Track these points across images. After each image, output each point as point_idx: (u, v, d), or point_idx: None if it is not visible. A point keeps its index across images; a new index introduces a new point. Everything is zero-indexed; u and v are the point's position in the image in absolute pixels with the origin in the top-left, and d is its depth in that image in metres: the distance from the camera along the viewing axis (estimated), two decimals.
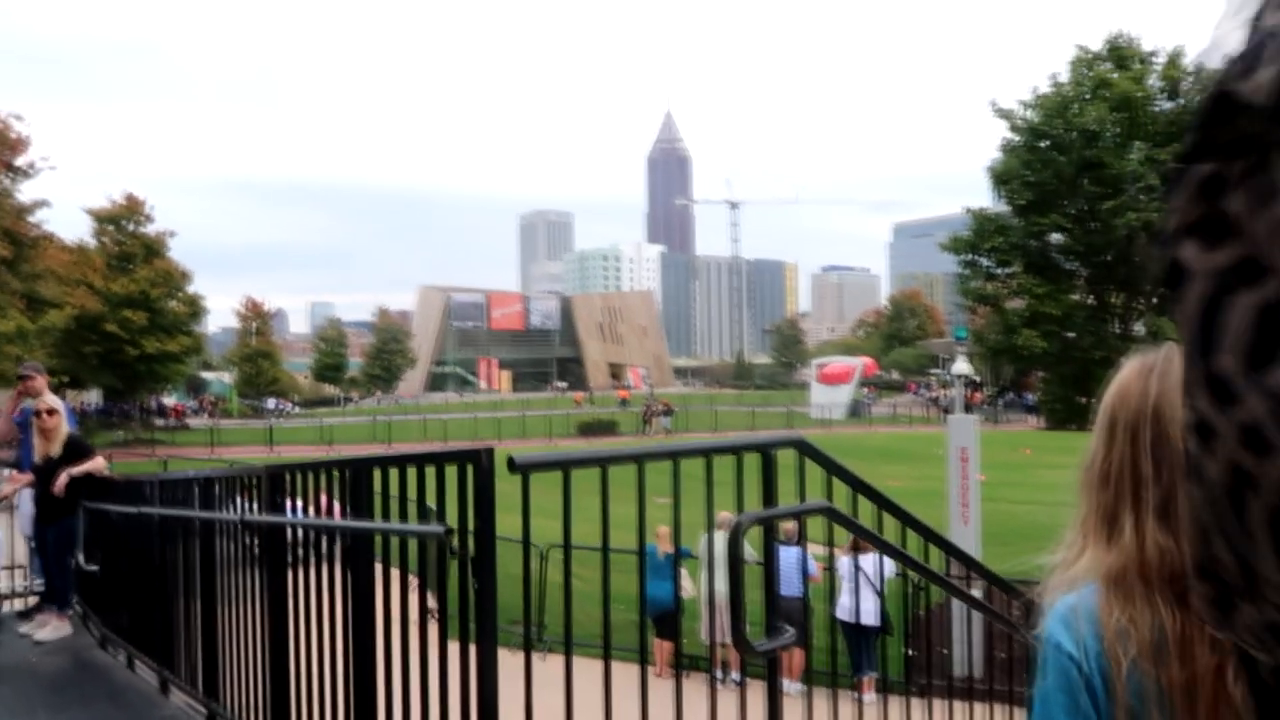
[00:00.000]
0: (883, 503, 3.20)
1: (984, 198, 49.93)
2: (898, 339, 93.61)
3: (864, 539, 3.08)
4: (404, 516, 2.83)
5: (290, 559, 3.71)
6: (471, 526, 2.44)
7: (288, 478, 3.80)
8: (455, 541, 2.48)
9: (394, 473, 2.91)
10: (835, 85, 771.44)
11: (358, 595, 3.07)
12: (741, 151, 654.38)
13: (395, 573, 2.96)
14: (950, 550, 3.76)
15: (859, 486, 3.09)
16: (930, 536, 3.49)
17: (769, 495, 2.84)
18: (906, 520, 3.34)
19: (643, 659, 2.60)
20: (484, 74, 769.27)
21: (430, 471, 2.77)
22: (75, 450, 6.91)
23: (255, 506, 4.04)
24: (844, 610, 9.17)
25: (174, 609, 5.04)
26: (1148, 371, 1.18)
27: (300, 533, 3.75)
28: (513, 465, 2.28)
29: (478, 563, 2.42)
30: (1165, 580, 1.09)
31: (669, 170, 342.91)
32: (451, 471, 2.58)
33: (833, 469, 3.02)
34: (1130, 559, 1.12)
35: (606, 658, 2.49)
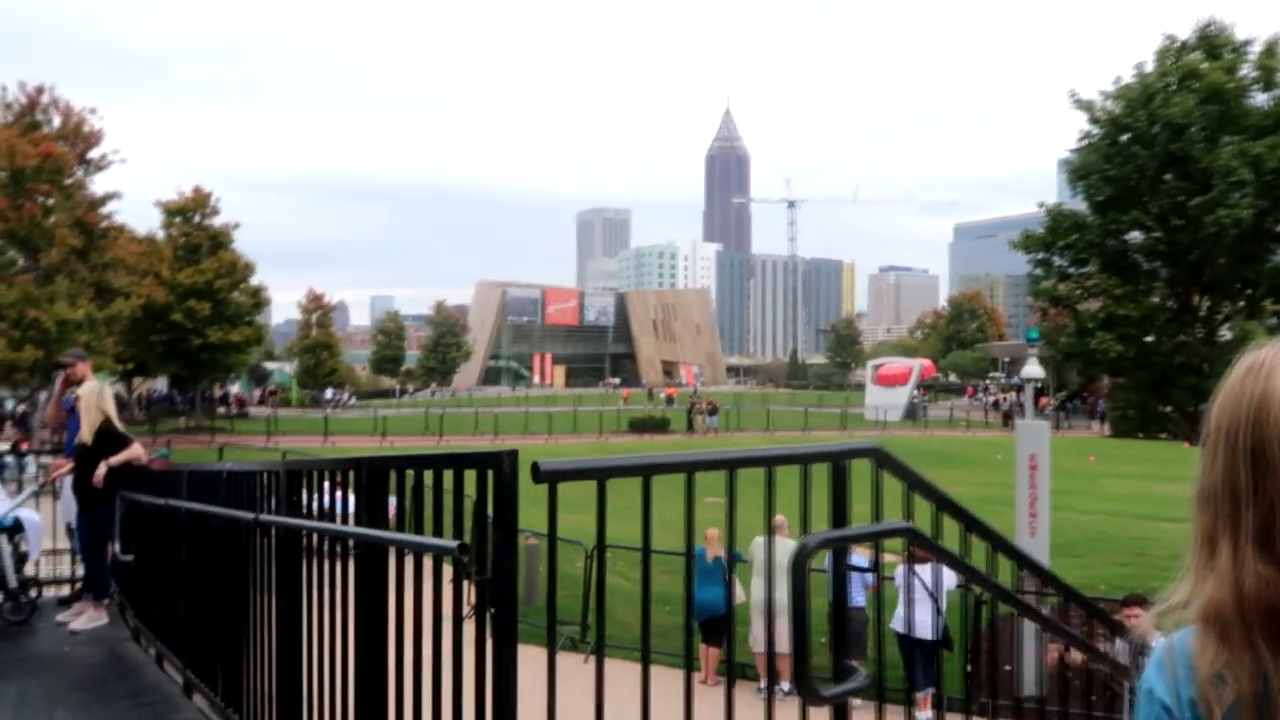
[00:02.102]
0: (971, 523, 2.77)
1: (1049, 200, 47.84)
2: (956, 341, 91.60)
3: (950, 566, 2.67)
4: (419, 525, 2.49)
5: (308, 558, 3.43)
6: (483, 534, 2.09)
7: (304, 476, 3.51)
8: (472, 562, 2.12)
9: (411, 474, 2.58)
10: (895, 84, 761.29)
11: (372, 608, 2.75)
12: (800, 150, 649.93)
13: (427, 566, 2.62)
14: (1049, 580, 3.31)
15: (944, 504, 2.67)
16: (1025, 563, 3.05)
17: (840, 514, 2.43)
18: (997, 543, 2.90)
19: (688, 665, 2.28)
20: (544, 72, 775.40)
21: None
22: (108, 439, 6.77)
23: (274, 504, 3.76)
24: (900, 622, 8.69)
25: (198, 607, 4.81)
26: (1252, 369, 1.02)
27: (316, 538, 3.45)
28: (538, 473, 1.91)
29: (496, 586, 2.06)
30: (1266, 617, 0.96)
31: (727, 168, 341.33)
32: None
33: (914, 483, 2.60)
34: (1227, 592, 0.98)
35: (645, 664, 2.19)
